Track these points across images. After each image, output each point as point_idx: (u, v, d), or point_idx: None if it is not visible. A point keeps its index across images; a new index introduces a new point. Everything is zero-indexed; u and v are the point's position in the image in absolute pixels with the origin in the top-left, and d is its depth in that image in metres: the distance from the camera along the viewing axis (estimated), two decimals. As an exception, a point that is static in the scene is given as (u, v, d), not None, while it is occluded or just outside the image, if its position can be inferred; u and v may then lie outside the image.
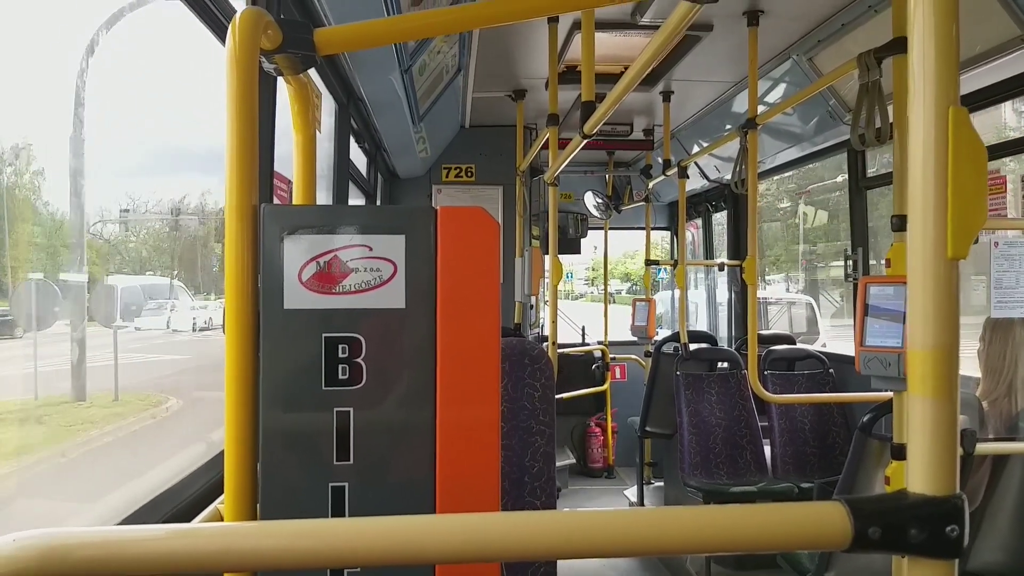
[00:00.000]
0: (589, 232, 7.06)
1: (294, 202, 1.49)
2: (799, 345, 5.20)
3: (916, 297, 0.75)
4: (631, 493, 5.53)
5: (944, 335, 0.74)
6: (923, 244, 0.74)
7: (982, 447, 2.16)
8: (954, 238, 0.73)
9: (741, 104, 4.61)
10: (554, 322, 3.67)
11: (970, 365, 2.58)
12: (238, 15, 1.13)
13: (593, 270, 16.57)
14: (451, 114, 4.89)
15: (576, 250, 7.15)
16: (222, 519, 1.21)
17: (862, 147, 2.53)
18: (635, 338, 6.18)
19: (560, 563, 2.21)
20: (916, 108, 0.75)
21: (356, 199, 4.11)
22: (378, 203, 4.92)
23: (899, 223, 2.28)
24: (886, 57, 2.38)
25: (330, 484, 1.11)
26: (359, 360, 1.11)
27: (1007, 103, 3.28)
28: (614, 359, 6.40)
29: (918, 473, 0.75)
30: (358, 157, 4.15)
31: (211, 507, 1.31)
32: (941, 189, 0.73)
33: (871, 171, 4.38)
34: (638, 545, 0.85)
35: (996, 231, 2.63)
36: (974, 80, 3.04)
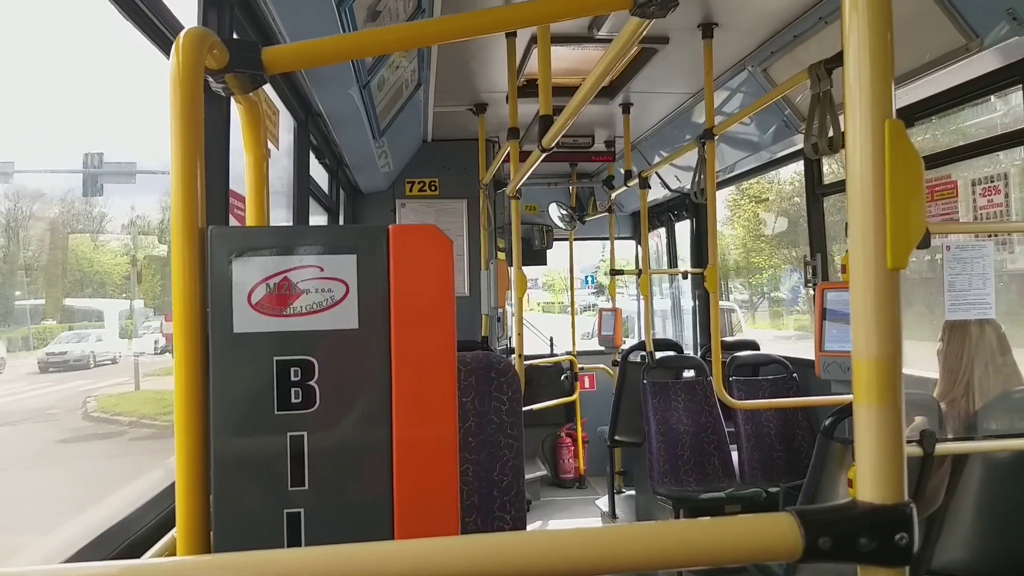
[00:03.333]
0: (555, 244, 7.09)
1: (246, 222, 1.47)
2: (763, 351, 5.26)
3: (858, 307, 0.76)
4: (602, 503, 5.53)
5: (887, 345, 0.74)
6: (864, 255, 0.75)
7: (941, 447, 2.19)
8: (893, 249, 0.74)
9: (700, 115, 4.67)
10: (520, 334, 3.66)
11: (929, 368, 2.62)
12: (182, 35, 1.11)
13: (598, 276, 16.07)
14: (413, 128, 4.88)
15: (542, 261, 7.17)
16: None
17: (815, 156, 2.58)
18: (602, 347, 6.20)
19: None
20: (853, 121, 0.76)
21: (318, 216, 4.07)
22: (341, 219, 4.88)
23: None
24: (836, 68, 2.43)
25: (285, 511, 1.09)
26: (312, 383, 1.09)
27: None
28: (582, 369, 6.41)
29: (866, 482, 0.75)
30: (319, 173, 4.12)
31: (165, 539, 1.28)
32: (879, 201, 0.74)
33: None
34: (593, 565, 0.84)
35: (949, 235, 2.67)
36: (923, 88, 3.12)
